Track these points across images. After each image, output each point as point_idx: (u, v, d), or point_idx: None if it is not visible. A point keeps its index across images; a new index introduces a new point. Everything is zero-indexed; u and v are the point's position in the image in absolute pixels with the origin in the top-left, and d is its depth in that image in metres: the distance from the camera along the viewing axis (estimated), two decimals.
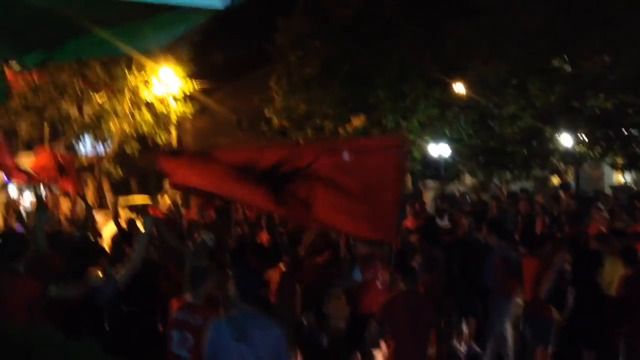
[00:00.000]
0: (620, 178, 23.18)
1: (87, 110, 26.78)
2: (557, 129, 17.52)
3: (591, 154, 17.66)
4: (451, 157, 19.94)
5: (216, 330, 4.42)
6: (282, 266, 8.24)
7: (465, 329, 9.18)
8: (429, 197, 21.63)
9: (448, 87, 18.47)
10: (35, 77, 20.66)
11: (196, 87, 25.53)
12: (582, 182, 21.55)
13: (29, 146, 39.18)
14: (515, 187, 19.94)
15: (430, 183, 22.04)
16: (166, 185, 30.27)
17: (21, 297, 4.66)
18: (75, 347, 2.53)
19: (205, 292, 5.31)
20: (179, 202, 20.59)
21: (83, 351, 2.52)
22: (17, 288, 4.71)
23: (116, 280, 5.05)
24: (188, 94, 25.38)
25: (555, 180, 20.32)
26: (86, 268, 4.95)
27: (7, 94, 5.52)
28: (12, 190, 36.37)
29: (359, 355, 7.52)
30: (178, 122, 26.54)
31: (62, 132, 30.36)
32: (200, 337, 4.86)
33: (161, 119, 25.09)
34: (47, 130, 38.55)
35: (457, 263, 8.59)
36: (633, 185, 22.19)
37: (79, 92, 24.28)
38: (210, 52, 31.84)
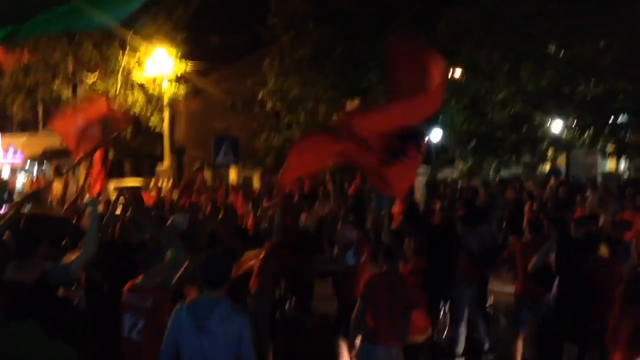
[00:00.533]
0: (614, 165, 23.13)
1: (79, 91, 26.67)
2: (547, 114, 17.44)
3: (580, 140, 17.60)
4: (442, 142, 19.84)
5: (177, 315, 4.36)
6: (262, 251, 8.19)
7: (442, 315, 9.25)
8: (419, 182, 21.59)
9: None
10: (26, 56, 20.55)
11: (189, 68, 25.38)
12: (574, 169, 21.50)
13: (22, 127, 39.14)
14: (507, 173, 19.92)
15: (421, 169, 21.93)
16: (158, 167, 30.31)
17: None
18: (13, 329, 2.45)
19: (159, 274, 5.25)
20: (167, 185, 20.58)
21: (22, 333, 2.43)
22: None
23: (68, 265, 4.96)
24: (180, 75, 25.25)
25: (547, 166, 20.27)
26: (35, 249, 4.86)
27: None
28: (5, 171, 36.27)
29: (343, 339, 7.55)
30: (171, 104, 26.43)
31: (54, 113, 30.28)
32: (152, 320, 4.80)
33: (153, 101, 24.98)
34: (41, 111, 38.51)
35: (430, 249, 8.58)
36: (629, 172, 22.13)
37: (70, 73, 24.13)
38: (205, 34, 31.66)
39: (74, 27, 3.88)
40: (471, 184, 18.12)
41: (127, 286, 5.26)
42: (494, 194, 16.02)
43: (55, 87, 24.31)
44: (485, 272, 9.12)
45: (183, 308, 4.37)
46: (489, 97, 18.38)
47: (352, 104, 21.30)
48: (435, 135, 19.43)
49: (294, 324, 10.20)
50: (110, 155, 27.01)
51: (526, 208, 13.75)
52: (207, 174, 25.17)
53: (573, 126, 17.50)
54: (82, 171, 26.61)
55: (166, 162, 30.91)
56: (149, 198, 15.88)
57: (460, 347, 8.73)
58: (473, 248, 8.66)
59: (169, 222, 7.67)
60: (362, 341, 6.44)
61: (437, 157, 21.22)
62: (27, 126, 39.96)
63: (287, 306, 10.21)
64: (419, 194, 21.11)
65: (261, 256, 8.14)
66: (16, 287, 4.67)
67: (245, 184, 23.66)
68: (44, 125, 39.30)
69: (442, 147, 20.29)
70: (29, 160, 34.46)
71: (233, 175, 26.19)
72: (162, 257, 5.33)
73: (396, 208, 14.20)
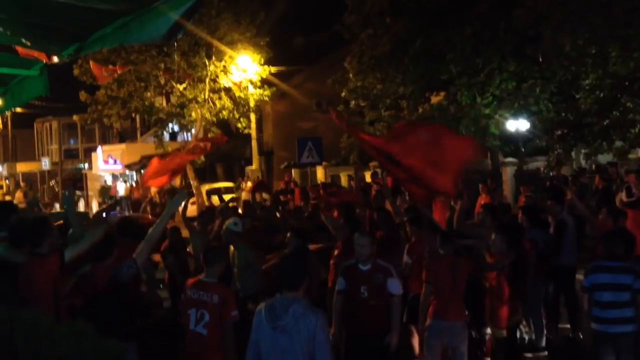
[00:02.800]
0: None
1: (171, 99, 27.75)
2: (637, 98, 16.63)
3: None
4: (529, 131, 19.29)
5: (258, 316, 4.43)
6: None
7: None
8: (508, 173, 21.15)
9: (523, 59, 17.86)
10: (118, 70, 21.60)
11: (272, 70, 25.89)
12: None
13: (122, 138, 41.05)
14: (603, 161, 19.14)
15: (509, 159, 21.45)
16: (247, 170, 31.05)
17: (45, 276, 4.94)
18: (64, 330, 2.63)
19: (218, 272, 5.57)
20: (248, 186, 21.07)
21: (72, 335, 2.60)
22: (43, 266, 4.98)
23: (136, 259, 5.25)
24: (265, 78, 25.80)
25: None
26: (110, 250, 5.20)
27: (47, 87, 5.85)
28: (108, 177, 38.10)
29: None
30: (258, 107, 27.02)
31: (149, 123, 31.65)
32: (217, 315, 5.03)
33: (240, 105, 25.63)
34: (138, 121, 40.26)
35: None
36: None
37: (161, 82, 25.14)
38: (287, 37, 32.19)
39: (128, 41, 4.06)
40: (560, 173, 17.60)
41: (189, 282, 5.59)
42: (584, 183, 15.52)
43: (148, 96, 25.43)
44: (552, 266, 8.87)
45: (262, 309, 4.43)
46: (576, 83, 17.73)
47: (436, 98, 21.11)
48: (522, 124, 18.95)
49: None
50: (202, 160, 27.96)
51: (618, 197, 13.21)
52: (296, 174, 25.61)
53: None
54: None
55: (255, 164, 31.65)
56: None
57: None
58: (538, 241, 8.49)
59: (224, 225, 8.10)
60: (431, 319, 6.86)
61: (525, 147, 20.71)
62: (126, 136, 41.89)
63: None
64: (507, 186, 20.71)
65: (336, 253, 8.29)
66: (89, 286, 5.04)
67: (333, 182, 23.91)
68: (141, 134, 41.19)
69: (529, 137, 19.75)
70: (127, 169, 36.11)
71: (320, 174, 26.50)
72: (222, 255, 5.67)
73: (482, 200, 14.06)
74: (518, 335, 8.24)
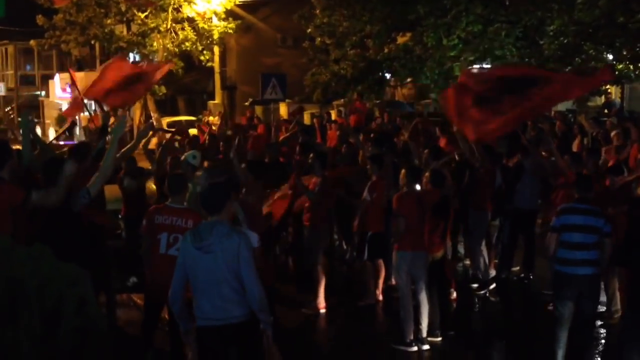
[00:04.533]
0: None
1: (132, 27, 26.99)
2: (599, 46, 16.77)
3: (633, 73, 16.91)
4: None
5: (184, 241, 4.64)
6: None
7: None
8: None
9: (490, 3, 17.80)
10: None
11: (237, 2, 25.33)
12: (634, 103, 20.73)
13: (80, 66, 39.97)
14: (561, 107, 19.37)
15: None
16: (210, 105, 30.66)
17: (4, 203, 4.89)
18: (22, 253, 2.62)
19: (182, 200, 5.76)
20: (214, 120, 20.89)
21: (31, 256, 2.60)
22: (1, 193, 4.92)
23: (87, 188, 5.21)
24: (230, 10, 25.25)
25: (600, 100, 19.62)
26: (57, 176, 5.12)
27: (3, 9, 5.63)
28: (65, 106, 37.29)
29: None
30: (221, 40, 26.52)
31: (109, 51, 30.83)
32: None
33: (204, 36, 25.12)
34: (98, 49, 39.16)
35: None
36: None
37: (122, 9, 24.41)
38: None
39: None
40: None
41: (153, 208, 5.78)
42: (541, 127, 15.69)
43: (108, 23, 24.72)
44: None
45: (188, 234, 4.66)
46: (541, 29, 17.76)
47: (402, 38, 20.98)
48: (486, 68, 19.01)
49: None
50: (164, 91, 27.47)
51: (575, 143, 13.48)
52: (258, 110, 25.38)
53: (625, 57, 16.81)
54: (137, 107, 26.99)
55: (217, 98, 31.24)
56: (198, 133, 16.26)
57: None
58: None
59: (182, 157, 8.08)
60: (398, 249, 7.08)
61: None
62: (84, 65, 40.79)
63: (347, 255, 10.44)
64: None
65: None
66: (39, 213, 5.00)
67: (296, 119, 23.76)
68: (101, 63, 40.17)
69: None
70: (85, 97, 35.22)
71: (283, 111, 26.32)
72: (186, 184, 5.89)
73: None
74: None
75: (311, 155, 8.64)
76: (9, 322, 2.33)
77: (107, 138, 7.37)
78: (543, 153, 9.32)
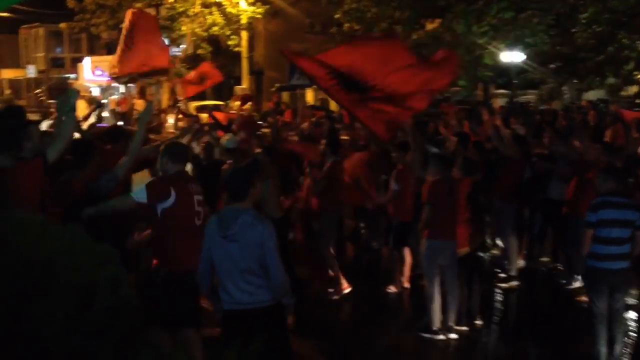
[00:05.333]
0: None
1: (160, 11, 27.07)
2: (633, 34, 16.46)
3: None
4: (523, 63, 19.11)
5: (208, 226, 4.62)
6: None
7: None
8: (498, 105, 21.03)
9: None
10: None
11: None
12: None
13: (110, 49, 40.21)
14: (594, 96, 19.08)
15: (502, 91, 21.38)
16: (237, 89, 30.69)
17: (33, 178, 4.88)
18: (56, 231, 2.62)
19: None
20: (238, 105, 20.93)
21: (65, 235, 2.59)
22: (28, 170, 4.91)
23: (116, 171, 5.21)
24: None
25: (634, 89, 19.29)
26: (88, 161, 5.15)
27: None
28: (95, 89, 37.62)
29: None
30: (249, 24, 26.48)
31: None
32: None
33: (232, 21, 25.11)
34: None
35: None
36: None
37: None
38: None
39: None
40: (551, 107, 17.56)
41: None
42: (573, 117, 15.48)
43: (137, 7, 24.77)
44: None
45: (213, 219, 4.63)
46: (574, 16, 17.48)
47: (431, 25, 20.77)
48: (517, 56, 18.75)
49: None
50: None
51: (608, 132, 13.24)
52: (285, 96, 25.36)
53: None
54: (165, 91, 27.26)
55: (245, 83, 31.25)
56: (224, 117, 16.26)
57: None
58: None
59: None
60: (427, 238, 7.00)
61: (518, 79, 20.56)
62: (114, 48, 40.99)
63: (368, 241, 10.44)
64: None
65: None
66: (71, 194, 5.01)
67: (322, 106, 23.73)
68: None
69: (522, 69, 19.59)
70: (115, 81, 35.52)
71: (310, 97, 26.27)
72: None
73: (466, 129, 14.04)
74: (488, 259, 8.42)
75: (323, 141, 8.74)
76: (40, 294, 2.34)
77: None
78: (576, 143, 9.14)
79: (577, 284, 8.29)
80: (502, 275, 8.91)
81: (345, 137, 11.22)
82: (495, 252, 9.60)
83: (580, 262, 6.87)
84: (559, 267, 9.27)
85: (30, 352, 2.21)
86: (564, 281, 8.71)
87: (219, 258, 4.53)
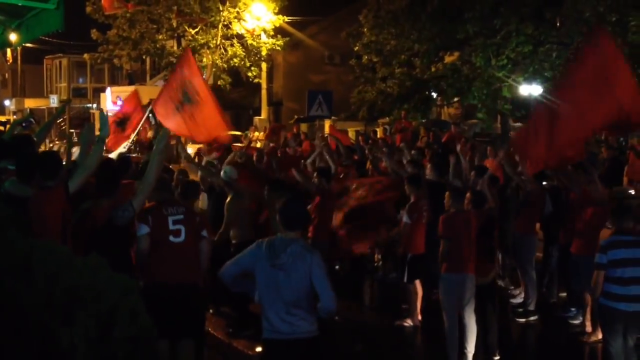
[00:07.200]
0: None
1: (182, 43, 27.49)
2: None
3: None
4: (542, 97, 19.07)
5: (258, 247, 4.61)
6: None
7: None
8: None
9: (542, 23, 17.60)
10: (130, 8, 21.38)
11: (286, 20, 25.58)
12: None
13: (131, 79, 40.84)
14: None
15: (520, 125, 21.33)
16: (256, 120, 30.93)
17: (56, 207, 4.96)
18: (80, 262, 2.68)
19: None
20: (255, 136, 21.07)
21: (88, 266, 2.66)
22: (51, 199, 5.00)
23: (131, 202, 5.26)
24: (278, 27, 25.50)
25: None
26: (113, 191, 5.28)
27: (62, 22, 5.75)
28: None
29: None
30: (269, 56, 26.77)
31: (160, 66, 31.47)
32: None
33: (252, 53, 25.41)
34: (148, 63, 39.94)
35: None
36: None
37: (174, 25, 24.89)
38: None
39: None
40: None
41: None
42: (592, 151, 15.38)
43: (159, 39, 25.22)
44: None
45: (264, 242, 4.61)
46: None
47: (450, 58, 20.87)
48: (535, 89, 18.77)
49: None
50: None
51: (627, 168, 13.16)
52: (303, 127, 25.51)
53: None
54: None
55: (264, 114, 31.52)
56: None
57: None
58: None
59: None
60: (445, 272, 6.98)
61: None
62: (135, 79, 41.65)
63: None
64: None
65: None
66: (92, 224, 5.08)
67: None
68: (151, 77, 40.97)
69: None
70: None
71: (327, 127, 26.39)
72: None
73: (487, 163, 14.04)
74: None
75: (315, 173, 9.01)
76: (65, 325, 2.39)
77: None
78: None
79: (581, 318, 8.25)
80: (521, 309, 8.84)
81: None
82: (501, 283, 9.56)
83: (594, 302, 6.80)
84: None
85: None
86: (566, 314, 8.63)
87: (264, 285, 4.54)
